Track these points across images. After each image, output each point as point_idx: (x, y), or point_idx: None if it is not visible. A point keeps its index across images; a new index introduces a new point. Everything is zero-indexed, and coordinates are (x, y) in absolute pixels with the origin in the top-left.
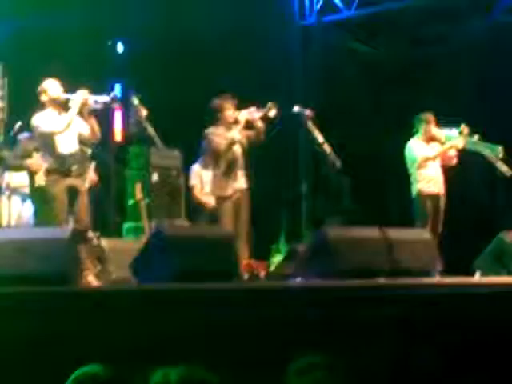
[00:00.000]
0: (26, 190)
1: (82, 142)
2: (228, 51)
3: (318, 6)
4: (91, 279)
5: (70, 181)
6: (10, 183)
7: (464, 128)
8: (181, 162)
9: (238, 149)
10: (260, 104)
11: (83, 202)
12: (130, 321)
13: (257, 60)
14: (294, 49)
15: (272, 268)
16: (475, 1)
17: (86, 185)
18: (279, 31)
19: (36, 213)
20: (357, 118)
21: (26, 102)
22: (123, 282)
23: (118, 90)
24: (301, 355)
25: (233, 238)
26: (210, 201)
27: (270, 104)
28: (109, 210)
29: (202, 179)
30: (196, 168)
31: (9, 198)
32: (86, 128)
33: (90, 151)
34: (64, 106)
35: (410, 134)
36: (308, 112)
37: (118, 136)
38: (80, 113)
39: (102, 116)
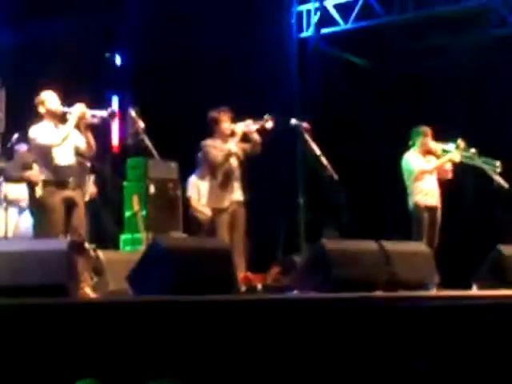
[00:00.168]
0: (24, 202)
1: (80, 154)
2: (225, 63)
3: (316, 19)
4: (88, 291)
5: (67, 193)
6: (7, 195)
7: (461, 142)
8: (178, 173)
9: (234, 161)
10: (257, 116)
11: (80, 214)
12: (126, 333)
13: (254, 72)
14: (291, 61)
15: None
16: (472, 14)
17: (86, 198)
18: (277, 44)
19: (35, 225)
20: (354, 131)
21: (23, 114)
22: (120, 294)
23: (115, 102)
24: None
25: (230, 250)
26: (206, 212)
27: (266, 116)
28: (106, 221)
29: (199, 190)
30: (193, 179)
31: (6, 209)
32: (82, 141)
33: (89, 164)
34: (61, 118)
35: (407, 146)
36: (305, 125)
37: (115, 148)
38: (77, 126)
39: (100, 128)
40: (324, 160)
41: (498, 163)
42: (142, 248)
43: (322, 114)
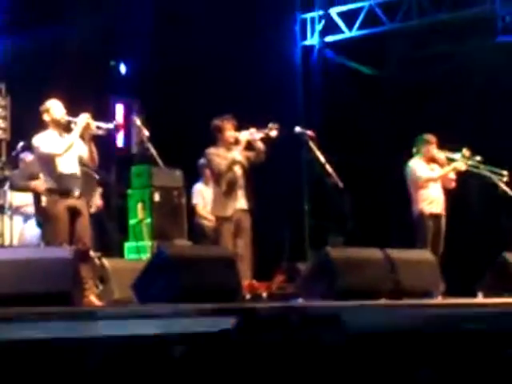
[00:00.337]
0: (29, 210)
1: (84, 164)
2: (229, 71)
3: (320, 27)
4: (93, 299)
5: (71, 201)
6: (12, 203)
7: (466, 151)
8: (182, 181)
9: (238, 169)
10: (261, 124)
11: (84, 222)
12: (130, 343)
13: (258, 80)
14: (295, 69)
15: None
16: (476, 21)
17: (92, 210)
18: (281, 52)
19: (43, 233)
20: (357, 138)
21: (28, 122)
22: (125, 302)
23: (120, 110)
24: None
25: (234, 258)
26: (212, 218)
27: (271, 125)
28: (111, 229)
29: (204, 198)
30: (198, 187)
31: (11, 217)
32: (85, 151)
33: (97, 176)
34: (66, 127)
35: (411, 154)
36: (309, 132)
37: (119, 156)
38: (81, 136)
39: (104, 136)
40: (329, 168)
41: (505, 172)
42: (147, 256)
43: (326, 121)
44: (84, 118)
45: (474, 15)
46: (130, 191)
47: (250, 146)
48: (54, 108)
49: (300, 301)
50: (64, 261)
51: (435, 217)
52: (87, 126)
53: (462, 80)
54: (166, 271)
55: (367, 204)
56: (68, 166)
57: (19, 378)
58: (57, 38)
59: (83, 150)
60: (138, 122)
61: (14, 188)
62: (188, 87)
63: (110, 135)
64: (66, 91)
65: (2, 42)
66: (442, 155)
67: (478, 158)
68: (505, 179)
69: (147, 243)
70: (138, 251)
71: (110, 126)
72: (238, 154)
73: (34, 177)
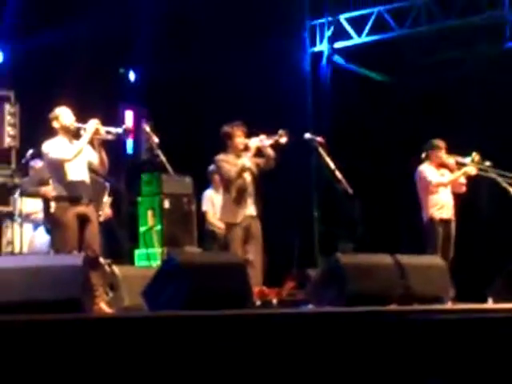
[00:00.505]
0: (39, 217)
1: (94, 171)
2: (238, 78)
3: (329, 33)
4: (103, 306)
5: (80, 208)
6: (22, 210)
7: (476, 155)
8: (192, 188)
9: (248, 176)
10: (270, 131)
11: (94, 229)
12: (141, 349)
13: (267, 87)
14: (304, 75)
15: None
16: (486, 28)
17: (101, 218)
18: (290, 58)
19: (51, 241)
20: (367, 145)
21: (37, 130)
22: (135, 309)
23: (129, 117)
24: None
25: (244, 265)
26: (222, 226)
27: (281, 131)
28: (121, 237)
29: (213, 204)
30: (208, 193)
31: (21, 225)
32: (95, 157)
33: (107, 184)
34: (75, 134)
35: (420, 159)
36: (319, 139)
37: (128, 163)
38: (91, 142)
39: (114, 143)
40: (338, 174)
41: None
42: (157, 263)
43: (335, 127)
44: (93, 124)
45: (483, 21)
46: (139, 198)
47: (259, 152)
48: (63, 115)
49: (310, 307)
50: (74, 268)
51: (445, 222)
52: (96, 132)
53: (472, 86)
54: (177, 278)
55: (377, 210)
56: (77, 172)
57: None
58: (66, 45)
59: (93, 156)
60: (147, 128)
61: (23, 194)
62: (197, 94)
63: (120, 142)
64: (75, 99)
65: (12, 49)
66: (451, 160)
67: (488, 163)
68: None
69: (157, 250)
70: (149, 258)
71: (119, 130)
72: (247, 160)
73: (44, 182)
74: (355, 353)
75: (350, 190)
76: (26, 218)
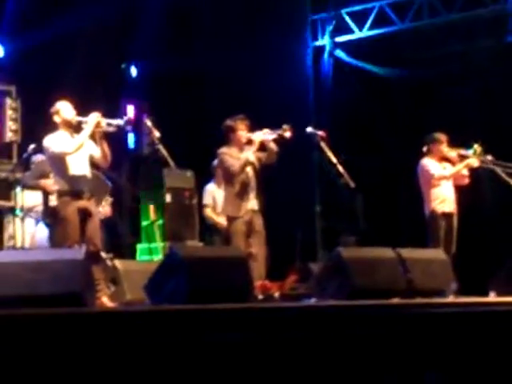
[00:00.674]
0: (40, 211)
1: (96, 165)
2: (240, 72)
3: (331, 28)
4: (105, 300)
5: (82, 203)
6: (23, 204)
7: (478, 147)
8: (194, 182)
9: (250, 170)
10: (271, 125)
11: (95, 223)
12: (143, 343)
13: (269, 81)
14: (306, 70)
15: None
16: (487, 21)
17: (100, 217)
18: (291, 52)
19: (50, 235)
20: (369, 139)
21: (39, 125)
22: (137, 304)
23: (131, 112)
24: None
25: (246, 259)
26: (222, 221)
27: (285, 126)
28: (123, 231)
29: (214, 199)
30: (210, 187)
31: (22, 219)
32: (97, 151)
33: (110, 184)
34: (76, 128)
35: (422, 153)
36: (321, 133)
37: (130, 158)
38: (92, 136)
39: (115, 137)
40: (340, 168)
41: None
42: (159, 257)
43: (337, 121)
44: (94, 117)
45: (484, 15)
46: (141, 193)
47: (261, 146)
48: (64, 109)
49: (312, 301)
50: (76, 262)
51: (447, 216)
52: (98, 124)
53: (474, 80)
54: (179, 272)
55: (379, 204)
56: (79, 167)
57: None
58: (67, 40)
59: (94, 150)
60: (148, 123)
61: (24, 186)
62: (199, 89)
63: (122, 136)
64: (76, 93)
65: (13, 44)
66: (453, 153)
67: (490, 157)
68: None
69: (159, 244)
70: (150, 252)
71: (121, 121)
72: (251, 154)
73: (45, 175)
74: (358, 346)
75: (352, 184)
76: (27, 212)
